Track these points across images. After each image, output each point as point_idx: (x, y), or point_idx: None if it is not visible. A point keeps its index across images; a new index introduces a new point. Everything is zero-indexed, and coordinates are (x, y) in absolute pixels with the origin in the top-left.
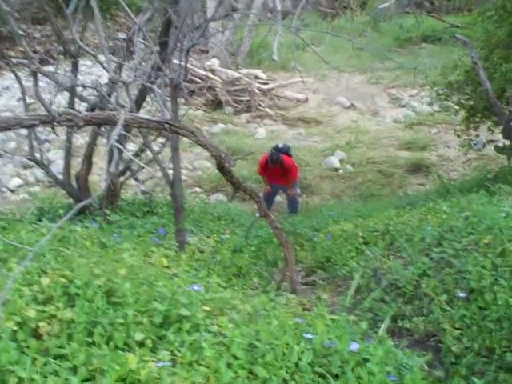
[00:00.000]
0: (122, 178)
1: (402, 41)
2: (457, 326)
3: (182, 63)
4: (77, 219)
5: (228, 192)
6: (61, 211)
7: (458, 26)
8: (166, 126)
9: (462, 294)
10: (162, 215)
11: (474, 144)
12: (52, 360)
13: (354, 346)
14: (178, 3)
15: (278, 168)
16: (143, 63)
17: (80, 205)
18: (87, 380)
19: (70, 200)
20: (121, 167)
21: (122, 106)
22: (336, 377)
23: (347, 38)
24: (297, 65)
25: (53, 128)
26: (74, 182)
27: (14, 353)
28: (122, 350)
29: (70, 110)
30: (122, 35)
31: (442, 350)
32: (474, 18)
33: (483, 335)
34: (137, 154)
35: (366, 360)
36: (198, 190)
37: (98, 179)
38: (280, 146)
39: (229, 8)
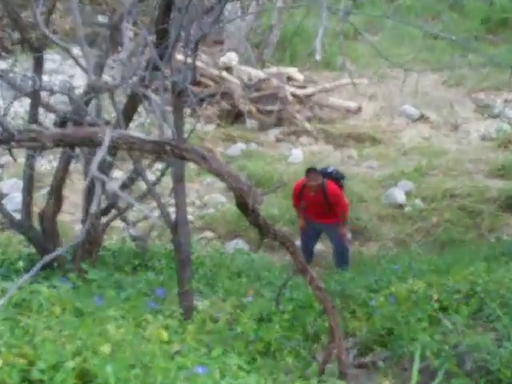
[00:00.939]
0: (104, 219)
1: (494, 24)
2: None
3: (189, 60)
4: (41, 276)
5: (251, 238)
6: (20, 264)
7: None
8: (167, 147)
9: None
10: (159, 270)
11: None
12: None
13: None
14: None
15: (318, 197)
16: (134, 59)
17: (47, 258)
18: None
19: (32, 248)
20: (103, 204)
21: (107, 122)
22: None
23: (415, 24)
24: (346, 62)
25: (9, 149)
26: (36, 224)
27: None
28: None
29: (34, 126)
30: (103, 19)
31: None
32: None
33: None
34: (125, 186)
35: None
36: (209, 234)
37: (71, 219)
38: (329, 169)
39: None
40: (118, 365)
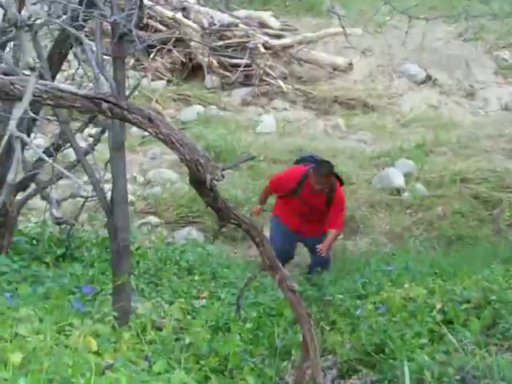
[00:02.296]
0: (19, 196)
1: None
2: None
3: None
4: None
5: (207, 226)
6: None
7: None
8: (104, 105)
9: None
10: (89, 262)
11: None
12: None
13: None
14: None
15: (319, 200)
16: None
17: None
18: None
19: None
20: (19, 176)
21: (31, 68)
22: None
23: None
24: (334, 5)
25: None
26: None
27: None
28: None
29: None
30: None
31: None
32: None
33: None
34: (49, 154)
35: None
36: (153, 220)
37: None
38: (314, 156)
39: None
40: (32, 379)
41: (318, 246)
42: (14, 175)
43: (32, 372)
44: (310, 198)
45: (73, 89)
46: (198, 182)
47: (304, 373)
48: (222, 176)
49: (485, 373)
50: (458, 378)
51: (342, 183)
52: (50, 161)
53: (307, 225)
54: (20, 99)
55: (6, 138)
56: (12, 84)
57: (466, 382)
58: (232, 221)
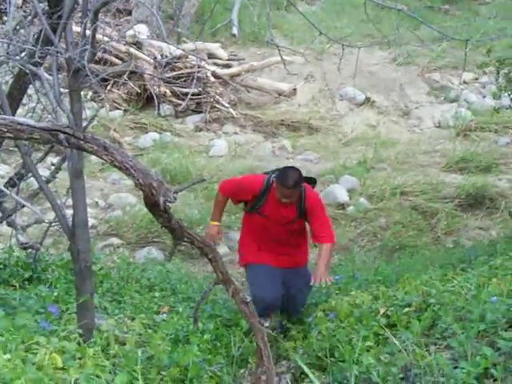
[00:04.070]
0: None
1: None
2: None
3: (88, 32)
4: None
5: (166, 245)
6: None
7: None
8: (61, 136)
9: None
10: (54, 283)
11: None
12: None
13: None
14: None
15: (291, 208)
16: (22, 31)
17: None
18: None
19: None
20: None
21: None
22: None
23: None
24: (275, 36)
25: None
26: None
27: None
28: None
29: None
30: None
31: None
32: None
33: None
34: (13, 184)
35: None
36: (115, 241)
37: None
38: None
39: None
40: None
41: (312, 279)
42: None
43: None
44: (276, 214)
45: (31, 122)
46: (152, 204)
47: (259, 378)
48: (175, 198)
49: (426, 370)
50: (401, 376)
51: (313, 183)
52: (12, 193)
53: (280, 255)
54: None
55: None
56: None
57: (409, 380)
58: (186, 239)
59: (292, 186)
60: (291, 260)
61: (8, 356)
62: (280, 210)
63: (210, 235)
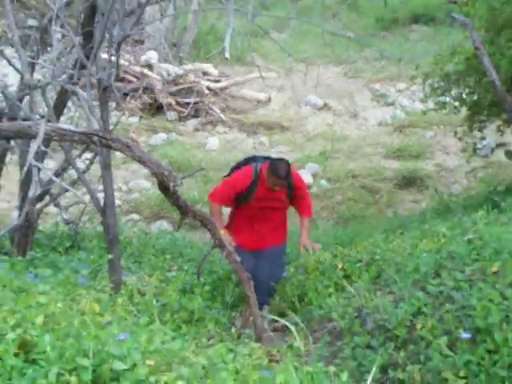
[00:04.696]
0: (39, 205)
1: (387, 22)
2: (461, 374)
3: (113, 59)
4: None
5: (173, 219)
6: None
7: (455, 2)
8: (95, 138)
9: (465, 335)
10: (90, 250)
11: (480, 149)
12: None
13: None
14: None
15: (280, 191)
16: (63, 59)
17: (6, 229)
18: None
19: None
20: (37, 191)
21: (42, 116)
22: None
23: (317, 23)
24: (254, 58)
25: None
26: None
27: None
28: None
29: None
30: (32, 22)
31: None
32: None
33: None
34: (58, 174)
35: None
36: (135, 217)
37: (7, 207)
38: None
39: None
40: (54, 335)
41: (303, 246)
42: (33, 193)
43: (52, 329)
44: (268, 196)
45: (72, 128)
46: (164, 188)
47: (247, 319)
48: (181, 183)
49: (374, 310)
50: (355, 315)
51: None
52: (57, 180)
53: (269, 234)
54: (35, 137)
55: (24, 168)
56: (29, 127)
57: (361, 318)
58: (190, 214)
59: (284, 176)
60: (272, 238)
61: (59, 305)
62: (272, 193)
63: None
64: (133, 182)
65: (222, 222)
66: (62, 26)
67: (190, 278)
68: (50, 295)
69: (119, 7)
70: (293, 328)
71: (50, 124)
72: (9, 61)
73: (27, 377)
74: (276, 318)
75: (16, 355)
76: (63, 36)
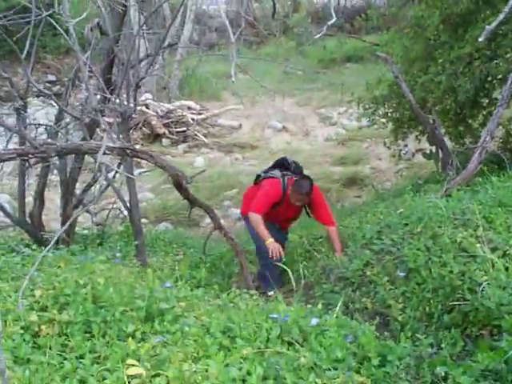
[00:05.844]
0: (75, 211)
1: (327, 62)
2: (400, 300)
3: (131, 95)
4: (37, 251)
5: (173, 220)
6: (20, 246)
7: (377, 45)
8: (128, 151)
9: (401, 274)
10: (114, 247)
11: (404, 154)
12: (59, 352)
13: (314, 321)
14: (118, 42)
15: (298, 207)
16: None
17: (59, 233)
18: (95, 363)
19: (26, 236)
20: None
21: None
22: (301, 345)
23: (278, 62)
24: (234, 92)
25: (27, 161)
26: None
27: (26, 347)
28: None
29: (49, 140)
30: (51, 77)
31: (389, 323)
32: (391, 35)
33: (423, 304)
34: (90, 185)
35: (325, 331)
36: (144, 220)
37: (46, 218)
38: (289, 159)
39: (157, 44)
40: (115, 288)
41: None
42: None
43: (114, 285)
44: (288, 209)
45: (111, 144)
46: (178, 185)
47: (240, 280)
48: (190, 182)
49: (334, 266)
50: (321, 271)
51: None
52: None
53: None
54: (97, 152)
55: (95, 168)
56: (89, 145)
57: (326, 272)
58: (197, 204)
59: (306, 193)
60: (286, 226)
61: (102, 280)
62: (292, 206)
63: (277, 250)
64: (140, 195)
65: (267, 230)
66: (89, 71)
67: (193, 258)
68: (104, 266)
69: (133, 58)
70: (290, 273)
71: (93, 142)
72: (57, 102)
73: (101, 315)
74: (286, 268)
75: (90, 303)
76: (90, 77)
